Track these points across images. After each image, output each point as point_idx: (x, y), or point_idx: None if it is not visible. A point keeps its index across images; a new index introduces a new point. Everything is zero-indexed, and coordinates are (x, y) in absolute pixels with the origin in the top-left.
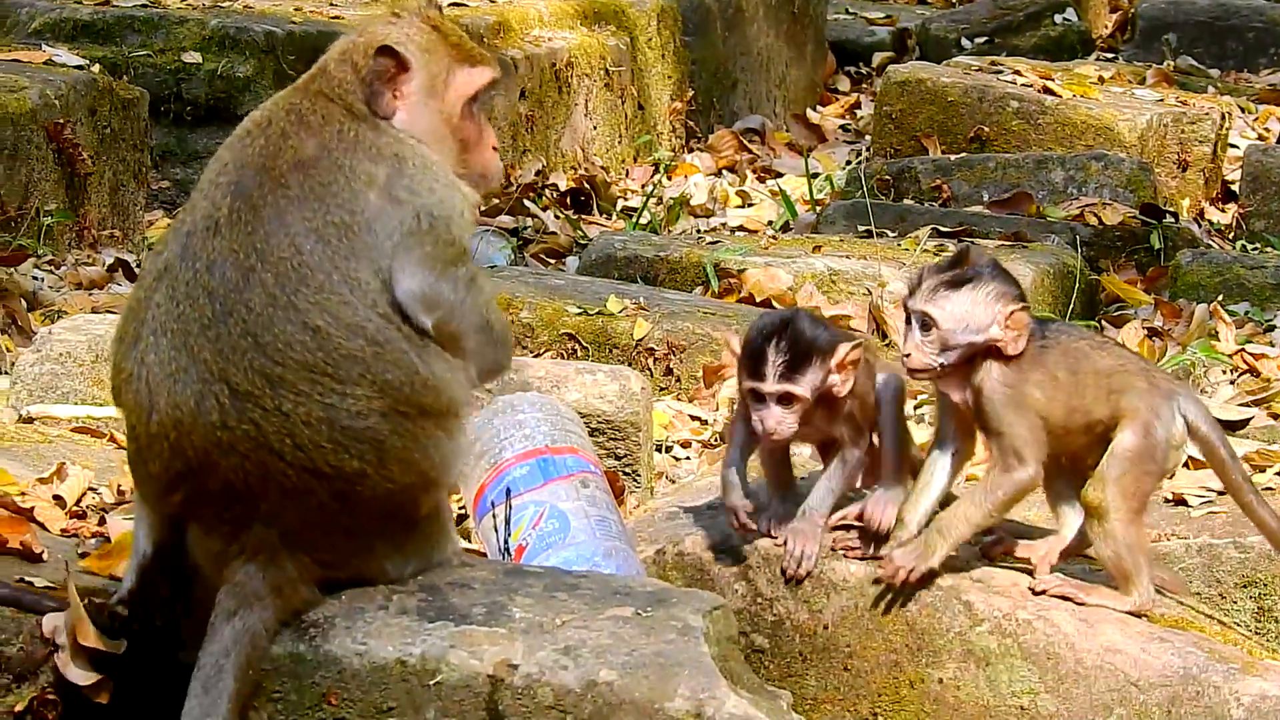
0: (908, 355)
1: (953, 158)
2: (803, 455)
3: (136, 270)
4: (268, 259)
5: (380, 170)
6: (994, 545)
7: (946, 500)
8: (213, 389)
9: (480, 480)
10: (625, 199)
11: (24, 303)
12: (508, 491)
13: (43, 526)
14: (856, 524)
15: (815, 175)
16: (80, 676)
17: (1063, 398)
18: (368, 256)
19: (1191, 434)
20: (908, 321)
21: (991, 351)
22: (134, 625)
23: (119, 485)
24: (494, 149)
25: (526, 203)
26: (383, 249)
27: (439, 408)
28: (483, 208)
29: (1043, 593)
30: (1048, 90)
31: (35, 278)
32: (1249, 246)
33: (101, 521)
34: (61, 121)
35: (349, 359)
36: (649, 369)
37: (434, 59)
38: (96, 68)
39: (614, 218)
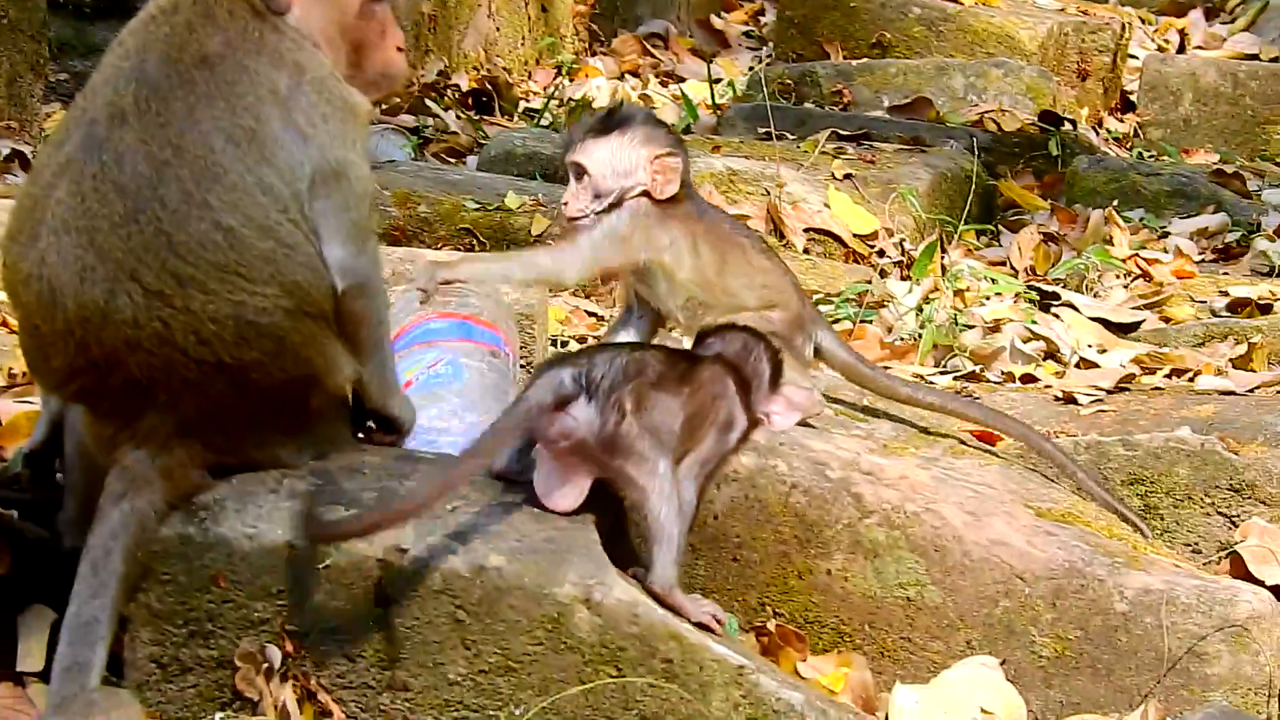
0: (565, 204)
1: (854, 63)
2: None
3: (33, 161)
4: (184, 154)
5: (281, 79)
6: None
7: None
8: (124, 288)
9: (401, 324)
10: (527, 101)
11: None
12: (420, 336)
13: None
14: None
15: (717, 80)
16: None
17: (693, 265)
18: (277, 172)
19: (824, 359)
20: (567, 175)
21: (645, 197)
22: (30, 491)
23: (10, 369)
24: (398, 49)
25: (428, 102)
26: (292, 177)
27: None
28: (383, 106)
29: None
30: None
31: None
32: (1145, 154)
33: None
34: None
35: (261, 259)
36: None
37: None
38: None
39: (515, 119)
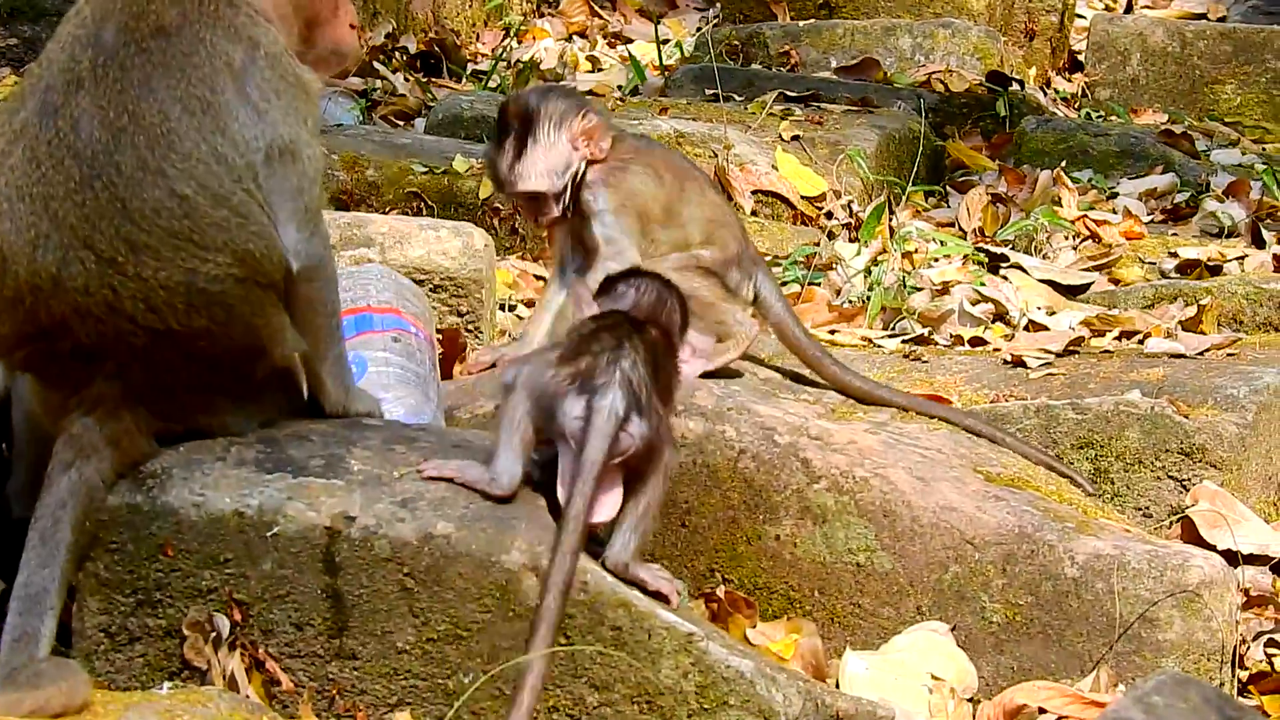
0: (538, 220)
1: (801, 24)
2: None
3: None
4: (140, 121)
5: (236, 53)
6: None
7: None
8: (78, 255)
9: None
10: (475, 63)
11: None
12: None
13: None
14: None
15: (665, 41)
16: None
17: (664, 197)
18: (231, 143)
19: (760, 308)
20: (515, 210)
21: (594, 164)
22: None
23: None
24: (351, 26)
25: (376, 65)
26: (246, 149)
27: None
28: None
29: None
30: None
31: None
32: (1093, 115)
33: None
34: None
35: (214, 226)
36: (494, 228)
37: None
38: None
39: (464, 81)
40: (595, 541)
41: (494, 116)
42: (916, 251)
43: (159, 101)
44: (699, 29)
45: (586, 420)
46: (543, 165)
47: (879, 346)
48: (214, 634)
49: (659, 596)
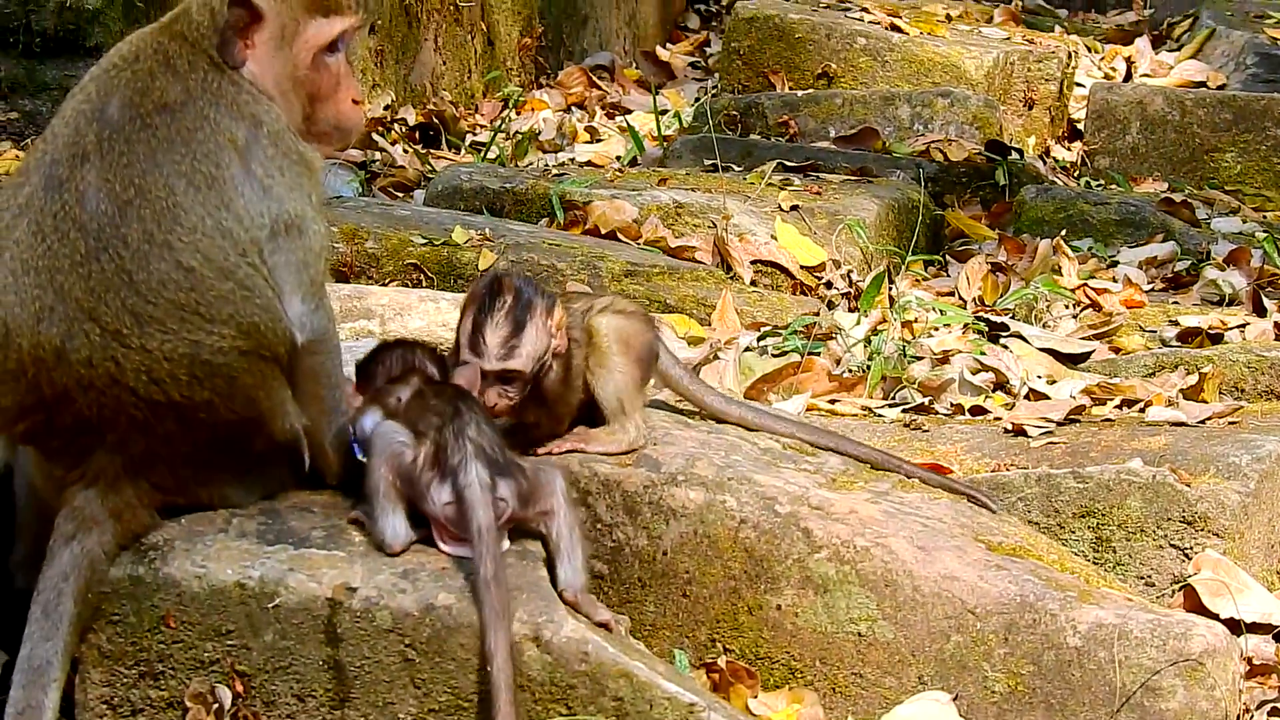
0: (494, 406)
1: (800, 94)
2: None
3: None
4: (146, 194)
5: (240, 130)
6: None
7: None
8: (82, 327)
9: None
10: (474, 134)
11: None
12: None
13: None
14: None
15: (663, 112)
16: None
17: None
18: (236, 217)
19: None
20: (484, 378)
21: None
22: None
23: None
24: (354, 101)
25: (375, 136)
26: (251, 223)
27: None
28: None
29: (548, 452)
30: (895, 28)
31: None
32: (1093, 183)
33: None
34: None
35: (220, 299)
36: None
37: (286, 8)
38: None
39: (463, 152)
40: None
41: (492, 188)
42: (916, 321)
43: (164, 176)
44: (697, 99)
45: (459, 502)
46: (532, 348)
47: (879, 416)
48: (216, 705)
49: (604, 626)
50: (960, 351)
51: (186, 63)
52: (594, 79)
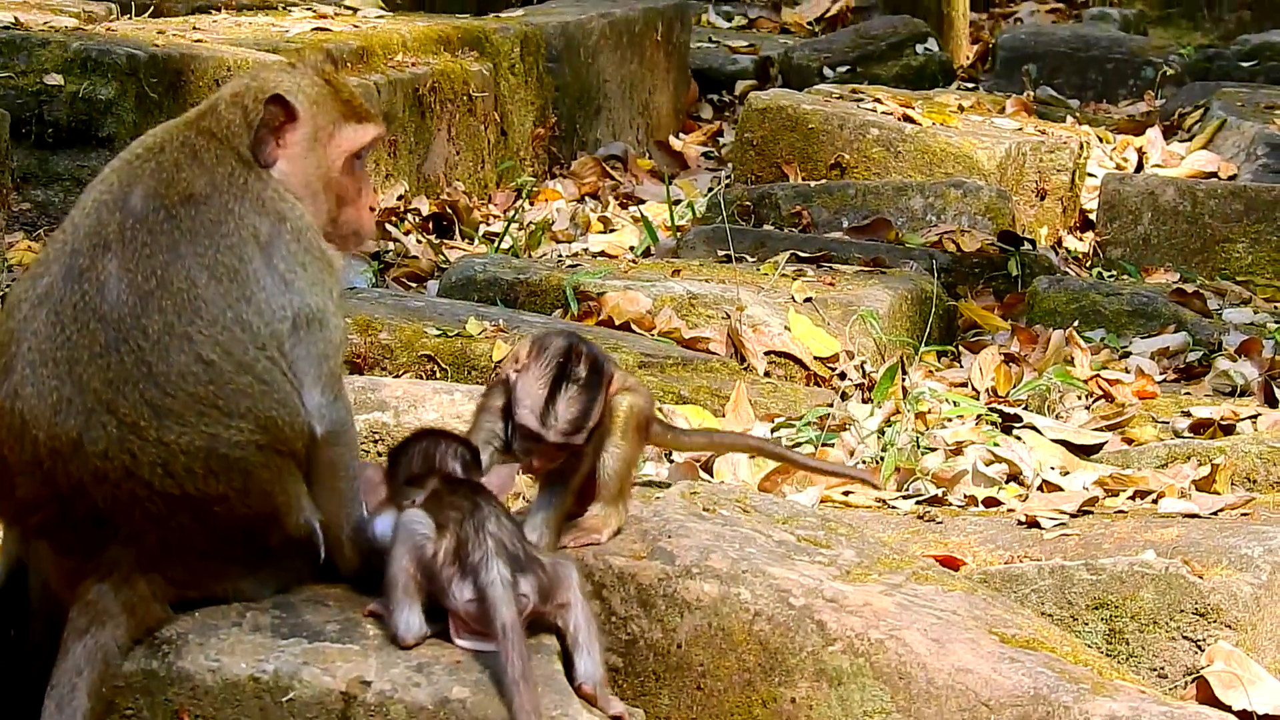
0: (535, 467)
1: (813, 184)
2: None
3: (8, 295)
4: (168, 286)
5: (264, 225)
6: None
7: None
8: (100, 420)
9: None
10: (488, 224)
11: None
12: None
13: None
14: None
15: (677, 202)
16: None
17: None
18: (257, 310)
19: None
20: (537, 442)
21: None
22: None
23: None
24: (371, 209)
25: (388, 227)
26: (271, 317)
27: (306, 456)
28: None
29: (562, 546)
30: (908, 118)
31: None
32: (1105, 274)
33: None
34: None
35: (238, 393)
36: None
37: (322, 112)
38: None
39: (476, 243)
40: None
41: (506, 279)
42: (930, 412)
43: (186, 268)
44: (711, 189)
45: (481, 600)
46: (594, 422)
47: (893, 507)
48: None
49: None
50: (974, 443)
51: (214, 156)
52: (607, 169)
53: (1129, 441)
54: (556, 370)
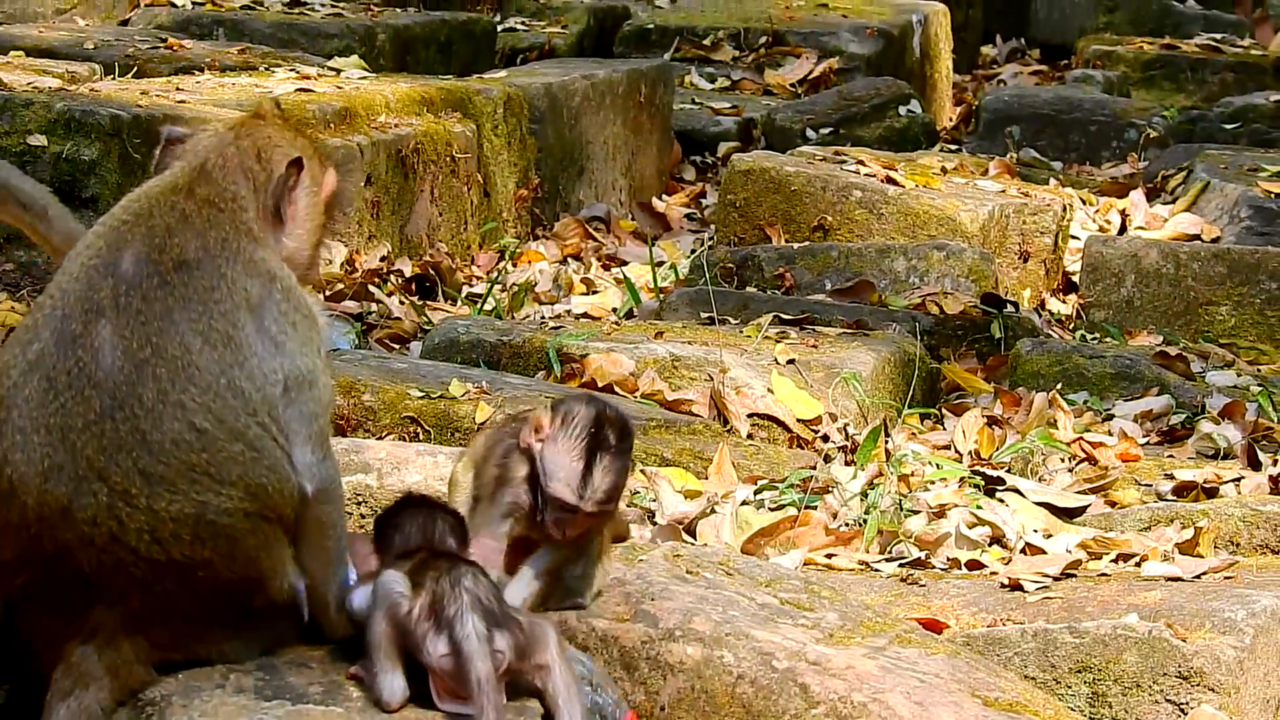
0: (565, 533)
1: (796, 246)
2: None
3: None
4: (163, 353)
5: (254, 287)
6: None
7: None
8: (90, 487)
9: None
10: (470, 285)
11: None
12: None
13: None
14: None
15: (660, 263)
16: None
17: None
18: (249, 376)
19: None
20: (568, 511)
21: None
22: None
23: None
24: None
25: (371, 288)
26: (263, 381)
27: (294, 519)
28: (326, 293)
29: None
30: (891, 180)
31: None
32: (1089, 336)
33: None
34: None
35: (229, 460)
36: None
37: (312, 163)
38: None
39: (459, 304)
40: None
41: (489, 340)
42: (913, 474)
43: (181, 334)
44: (694, 251)
45: (456, 654)
46: (627, 489)
47: (876, 570)
48: None
49: None
50: (957, 505)
51: (206, 220)
52: (590, 230)
53: (1112, 504)
54: (589, 440)
